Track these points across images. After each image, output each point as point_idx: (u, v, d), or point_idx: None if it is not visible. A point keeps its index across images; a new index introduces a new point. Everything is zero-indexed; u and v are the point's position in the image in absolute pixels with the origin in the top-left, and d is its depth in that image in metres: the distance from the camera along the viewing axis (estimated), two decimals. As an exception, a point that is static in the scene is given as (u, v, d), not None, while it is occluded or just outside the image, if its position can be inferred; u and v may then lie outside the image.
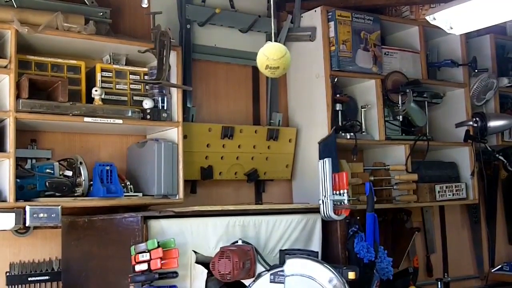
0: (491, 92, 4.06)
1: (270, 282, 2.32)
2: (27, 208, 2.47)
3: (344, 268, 2.32)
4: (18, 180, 2.55)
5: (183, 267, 2.28)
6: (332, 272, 2.28)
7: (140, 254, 2.17)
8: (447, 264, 4.26)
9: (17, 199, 2.50)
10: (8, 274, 2.79)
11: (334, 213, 2.62)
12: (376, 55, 3.60)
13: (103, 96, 2.80)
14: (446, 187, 3.77)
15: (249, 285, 2.36)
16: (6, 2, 2.68)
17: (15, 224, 2.48)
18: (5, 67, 2.56)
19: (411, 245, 3.92)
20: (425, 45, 3.91)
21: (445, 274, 4.21)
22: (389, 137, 3.61)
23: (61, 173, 2.72)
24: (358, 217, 2.79)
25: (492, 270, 4.40)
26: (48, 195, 2.63)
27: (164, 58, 2.87)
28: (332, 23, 3.46)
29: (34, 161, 2.79)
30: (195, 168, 3.24)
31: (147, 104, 2.90)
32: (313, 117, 3.50)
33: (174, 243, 2.21)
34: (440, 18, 2.75)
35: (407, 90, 3.56)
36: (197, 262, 2.36)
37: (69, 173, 2.72)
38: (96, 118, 2.72)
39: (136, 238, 2.24)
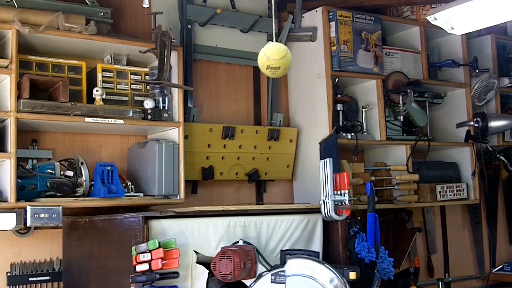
0: (492, 92, 4.06)
1: (271, 282, 2.32)
2: (28, 208, 2.47)
3: (345, 268, 2.32)
4: (19, 180, 2.55)
5: (184, 267, 2.28)
6: (333, 272, 2.27)
7: (141, 255, 2.17)
8: (448, 264, 4.26)
9: (18, 199, 2.51)
10: (9, 274, 2.79)
11: (335, 213, 2.62)
12: (377, 55, 3.59)
13: (104, 96, 2.80)
14: (447, 187, 3.77)
15: (250, 285, 2.36)
16: (7, 2, 2.68)
17: (16, 224, 2.48)
18: (6, 67, 2.56)
19: (412, 245, 3.92)
20: (426, 45, 3.91)
21: (446, 274, 4.21)
22: (390, 137, 3.61)
23: (62, 173, 2.72)
24: (359, 217, 2.80)
25: (493, 270, 4.41)
26: (49, 195, 2.63)
27: (165, 58, 2.87)
28: (333, 23, 3.46)
29: (35, 161, 2.79)
30: (196, 168, 3.24)
31: (148, 104, 2.90)
32: (314, 117, 3.50)
33: (175, 243, 2.21)
34: (441, 18, 2.75)
35: (408, 90, 3.56)
36: (198, 262, 2.36)
37: (70, 173, 2.72)
38: (97, 118, 2.72)
39: (137, 238, 2.24)
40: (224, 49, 3.49)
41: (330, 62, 3.43)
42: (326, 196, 2.63)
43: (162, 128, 3.01)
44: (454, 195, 3.81)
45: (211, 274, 2.33)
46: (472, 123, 3.91)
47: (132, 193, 2.87)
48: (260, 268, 2.38)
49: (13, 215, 2.47)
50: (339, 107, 3.47)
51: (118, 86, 2.93)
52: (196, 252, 2.36)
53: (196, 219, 2.40)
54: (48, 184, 2.59)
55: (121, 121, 2.79)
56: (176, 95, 3.00)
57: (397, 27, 3.90)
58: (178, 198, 2.93)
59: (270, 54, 2.44)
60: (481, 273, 4.43)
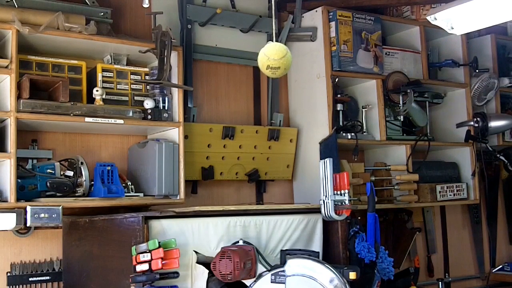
0: (492, 92, 4.07)
1: (271, 282, 2.32)
2: (28, 208, 2.47)
3: (345, 268, 2.32)
4: (19, 180, 2.55)
5: (184, 267, 2.28)
6: (333, 272, 2.27)
7: (141, 254, 2.17)
8: (448, 264, 4.26)
9: (18, 199, 2.51)
10: (9, 274, 2.79)
11: (335, 213, 2.62)
12: (377, 55, 3.59)
13: (104, 96, 2.80)
14: (447, 187, 3.77)
15: (250, 285, 2.36)
16: (7, 2, 2.68)
17: (16, 224, 2.48)
18: (6, 67, 2.56)
19: (412, 245, 3.92)
20: (426, 45, 3.91)
21: (446, 274, 4.21)
22: (390, 137, 3.61)
23: (62, 173, 2.72)
24: (359, 217, 2.80)
25: (493, 270, 4.41)
26: (49, 195, 2.63)
27: (165, 58, 2.87)
28: (333, 23, 3.46)
29: (35, 161, 2.79)
30: (196, 168, 3.24)
31: (148, 104, 2.90)
32: (314, 117, 3.50)
33: (175, 243, 2.21)
34: (441, 18, 2.75)
35: (408, 90, 3.56)
36: (198, 262, 2.36)
37: (70, 173, 2.72)
38: (97, 118, 2.72)
39: (137, 238, 2.24)
40: (224, 49, 3.49)
41: (330, 62, 3.43)
42: (326, 196, 2.63)
43: (162, 128, 3.01)
44: (454, 195, 3.81)
45: (211, 274, 2.33)
46: (472, 123, 3.91)
47: (132, 193, 2.87)
48: (260, 268, 2.38)
49: (13, 215, 2.47)
50: (339, 107, 3.46)
51: (118, 86, 2.93)
52: (196, 252, 2.36)
53: (196, 219, 2.40)
54: (48, 184, 2.59)
55: (121, 121, 2.79)
56: (176, 95, 3.00)
57: (397, 27, 3.90)
58: (178, 198, 2.93)
59: (270, 54, 2.44)
60: (481, 273, 4.43)
